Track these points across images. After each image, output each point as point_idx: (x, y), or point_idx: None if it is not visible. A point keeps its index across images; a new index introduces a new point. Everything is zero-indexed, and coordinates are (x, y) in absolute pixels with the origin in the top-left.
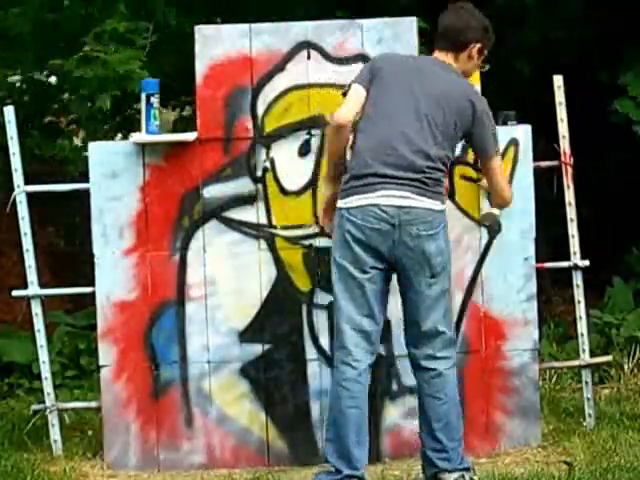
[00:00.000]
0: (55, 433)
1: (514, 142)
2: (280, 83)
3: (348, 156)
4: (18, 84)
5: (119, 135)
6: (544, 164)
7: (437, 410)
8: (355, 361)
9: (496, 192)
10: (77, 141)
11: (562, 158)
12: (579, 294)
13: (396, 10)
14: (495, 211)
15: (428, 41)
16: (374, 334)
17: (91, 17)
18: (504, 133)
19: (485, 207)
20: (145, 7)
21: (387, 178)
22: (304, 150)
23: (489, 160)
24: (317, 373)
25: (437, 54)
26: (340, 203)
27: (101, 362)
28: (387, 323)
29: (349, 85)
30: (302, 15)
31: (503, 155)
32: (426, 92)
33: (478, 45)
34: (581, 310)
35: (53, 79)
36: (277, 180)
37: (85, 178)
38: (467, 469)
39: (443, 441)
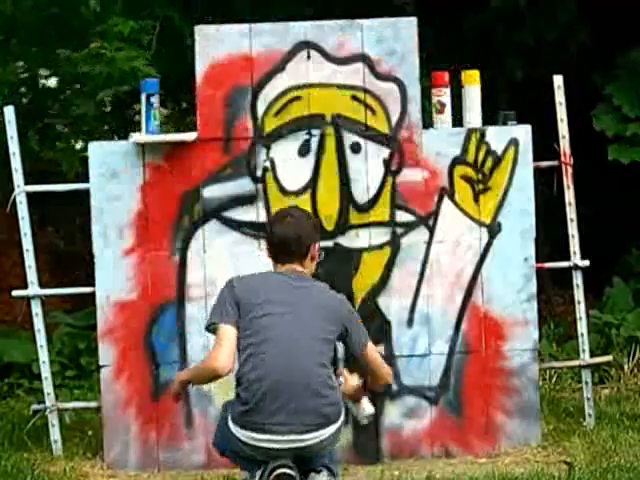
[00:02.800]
0: (55, 433)
1: (514, 142)
2: (280, 83)
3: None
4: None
5: (115, 137)
6: (544, 164)
7: None
8: None
9: (378, 376)
10: (77, 146)
11: (562, 158)
12: (579, 294)
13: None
14: (370, 410)
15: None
16: None
17: (95, 15)
18: (504, 133)
19: (363, 408)
20: (146, 6)
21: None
22: (304, 150)
23: (365, 348)
24: None
25: (286, 268)
26: None
27: (101, 362)
28: (387, 323)
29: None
30: (302, 15)
31: (503, 155)
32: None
33: (317, 244)
34: (581, 310)
35: (53, 81)
36: (277, 180)
37: (85, 178)
38: None
39: None
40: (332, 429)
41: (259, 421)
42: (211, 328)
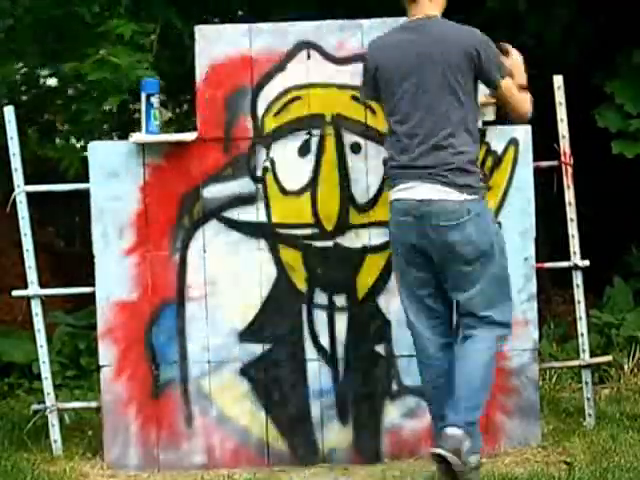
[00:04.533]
0: (55, 433)
1: (514, 142)
2: (280, 83)
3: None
4: (18, 77)
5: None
6: (544, 164)
7: (460, 371)
8: (427, 338)
9: (514, 110)
10: (77, 145)
11: (562, 158)
12: (579, 294)
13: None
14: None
15: None
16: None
17: (95, 17)
18: (504, 133)
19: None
20: (146, 8)
21: (406, 172)
22: (304, 150)
23: (497, 87)
24: (317, 373)
25: (413, 11)
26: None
27: (101, 362)
28: (387, 323)
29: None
30: (302, 15)
31: (503, 155)
32: (423, 69)
33: None
34: (581, 310)
35: (53, 81)
36: (277, 180)
37: (85, 178)
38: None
39: (461, 395)
40: (464, 196)
41: (404, 172)
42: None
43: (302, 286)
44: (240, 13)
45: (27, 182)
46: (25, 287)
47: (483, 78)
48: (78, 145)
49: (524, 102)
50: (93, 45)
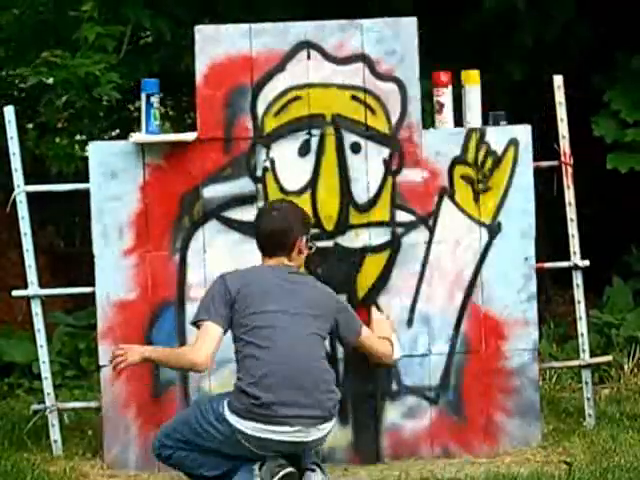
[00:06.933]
0: (55, 433)
1: (514, 142)
2: (280, 83)
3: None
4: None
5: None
6: (544, 164)
7: None
8: None
9: (380, 357)
10: (76, 145)
11: (562, 158)
12: (579, 294)
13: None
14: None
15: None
16: None
17: (68, 22)
18: (504, 133)
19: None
20: (117, 11)
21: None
22: (304, 150)
23: (360, 336)
24: None
25: (274, 261)
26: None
27: (101, 362)
28: None
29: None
30: (302, 15)
31: (503, 155)
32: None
33: (304, 238)
34: (581, 310)
35: (51, 80)
36: (277, 180)
37: (85, 178)
38: None
39: None
40: (332, 423)
41: (269, 413)
42: (198, 324)
43: None
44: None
45: (27, 182)
46: (25, 287)
47: (344, 328)
48: (77, 146)
49: (384, 346)
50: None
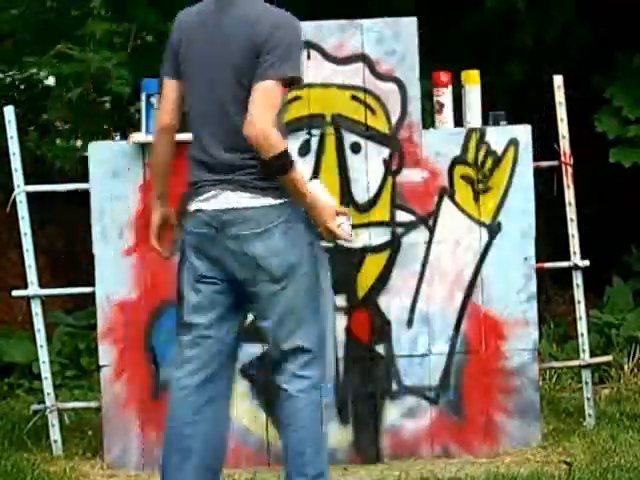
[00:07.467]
0: (55, 433)
1: (514, 142)
2: None
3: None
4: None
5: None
6: (544, 164)
7: (286, 439)
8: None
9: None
10: (77, 145)
11: (562, 158)
12: (579, 294)
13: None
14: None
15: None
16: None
17: (73, 19)
18: (504, 133)
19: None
20: (125, 9)
21: (205, 181)
22: (304, 150)
23: (261, 81)
24: None
25: None
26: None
27: (101, 362)
28: (387, 323)
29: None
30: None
31: (503, 155)
32: (215, 62)
33: None
34: (581, 310)
35: (51, 80)
36: None
37: (85, 178)
38: None
39: (291, 475)
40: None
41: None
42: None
43: None
44: None
45: (27, 182)
46: (25, 287)
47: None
48: (78, 145)
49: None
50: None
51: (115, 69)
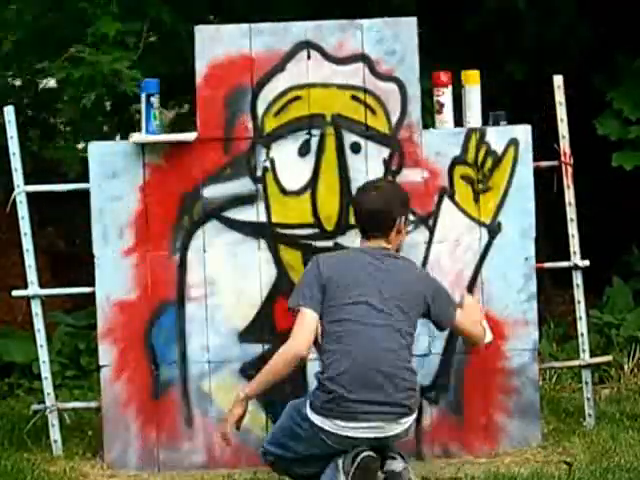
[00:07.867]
0: (55, 433)
1: (514, 142)
2: (280, 83)
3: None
4: (18, 83)
5: (117, 137)
6: (544, 164)
7: None
8: None
9: (472, 340)
10: (78, 145)
11: (562, 158)
12: (579, 294)
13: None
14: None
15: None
16: None
17: (85, 18)
18: (504, 133)
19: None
20: (138, 7)
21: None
22: (304, 150)
23: (453, 320)
24: None
25: (371, 244)
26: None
27: (101, 362)
28: None
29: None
30: (302, 15)
31: (503, 155)
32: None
33: (403, 218)
34: (581, 310)
35: (52, 82)
36: (277, 180)
37: (85, 178)
38: None
39: None
40: (413, 417)
41: (349, 410)
42: (295, 309)
43: None
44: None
45: (27, 182)
46: (25, 287)
47: (437, 313)
48: (79, 146)
49: (477, 330)
50: (74, 46)
51: (127, 70)
